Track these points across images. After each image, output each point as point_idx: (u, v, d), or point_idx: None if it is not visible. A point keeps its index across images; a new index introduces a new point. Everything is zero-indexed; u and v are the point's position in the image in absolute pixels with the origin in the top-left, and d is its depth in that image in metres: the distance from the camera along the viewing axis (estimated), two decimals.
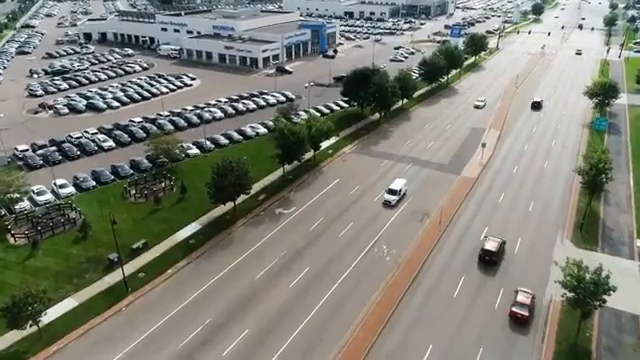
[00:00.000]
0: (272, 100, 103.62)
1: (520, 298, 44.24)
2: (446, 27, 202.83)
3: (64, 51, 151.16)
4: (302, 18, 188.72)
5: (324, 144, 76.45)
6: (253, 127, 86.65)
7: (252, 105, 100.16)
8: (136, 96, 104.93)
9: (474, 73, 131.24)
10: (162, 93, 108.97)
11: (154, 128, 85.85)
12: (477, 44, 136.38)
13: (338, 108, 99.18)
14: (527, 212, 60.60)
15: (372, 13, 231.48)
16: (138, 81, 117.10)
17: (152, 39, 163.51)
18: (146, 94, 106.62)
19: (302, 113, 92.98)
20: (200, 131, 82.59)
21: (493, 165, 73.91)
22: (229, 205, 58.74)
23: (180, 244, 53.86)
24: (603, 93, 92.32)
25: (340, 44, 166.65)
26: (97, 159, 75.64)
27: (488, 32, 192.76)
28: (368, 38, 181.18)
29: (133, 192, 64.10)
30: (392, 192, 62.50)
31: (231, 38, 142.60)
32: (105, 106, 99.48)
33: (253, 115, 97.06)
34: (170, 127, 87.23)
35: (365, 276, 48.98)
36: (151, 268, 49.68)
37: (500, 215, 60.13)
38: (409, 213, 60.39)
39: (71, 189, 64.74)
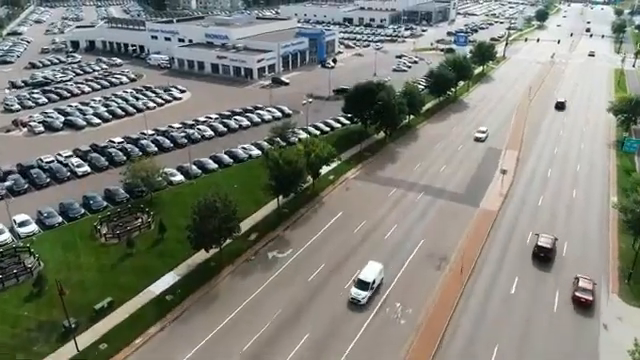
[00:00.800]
0: (267, 116, 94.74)
1: (582, 284, 45.28)
2: (449, 34, 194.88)
3: (48, 60, 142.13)
4: (300, 25, 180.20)
5: (325, 168, 67.55)
6: (245, 149, 77.70)
7: (245, 122, 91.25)
8: (119, 112, 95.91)
9: (483, 84, 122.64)
10: (148, 108, 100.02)
11: (136, 150, 76.91)
12: (485, 53, 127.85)
13: (339, 125, 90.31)
14: (561, 257, 51.69)
15: (372, 19, 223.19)
16: (123, 94, 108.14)
17: (142, 48, 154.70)
18: (130, 109, 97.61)
19: (300, 131, 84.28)
20: (187, 152, 73.70)
21: (515, 195, 65.02)
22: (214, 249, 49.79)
23: (154, 301, 44.74)
24: (629, 110, 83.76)
25: (339, 52, 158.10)
26: (69, 187, 66.56)
27: (493, 39, 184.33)
28: (369, 46, 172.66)
29: (104, 231, 55.03)
30: (362, 285, 44.72)
31: (224, 47, 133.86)
32: (84, 123, 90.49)
33: (246, 133, 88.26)
34: (154, 148, 78.22)
35: (377, 346, 39.97)
36: (116, 336, 40.53)
37: (530, 261, 51.27)
38: (424, 257, 51.44)
39: (33, 227, 55.66)
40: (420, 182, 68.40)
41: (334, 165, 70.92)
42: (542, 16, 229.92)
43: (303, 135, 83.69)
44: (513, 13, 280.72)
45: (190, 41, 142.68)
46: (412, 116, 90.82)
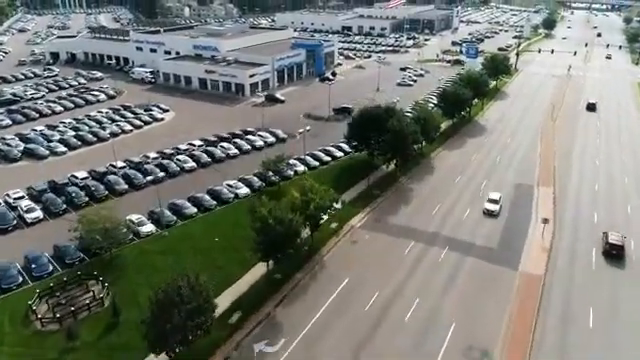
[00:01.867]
0: (258, 142, 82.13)
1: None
2: (454, 44, 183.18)
3: (23, 74, 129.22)
4: (296, 35, 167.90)
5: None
6: (231, 186, 64.95)
7: (233, 150, 78.59)
8: (90, 137, 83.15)
9: (498, 101, 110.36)
10: (123, 132, 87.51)
11: (101, 188, 64.24)
12: (499, 66, 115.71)
13: (341, 154, 77.69)
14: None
15: (372, 28, 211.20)
16: (98, 115, 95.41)
17: (127, 60, 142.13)
18: (103, 134, 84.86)
19: (295, 162, 71.75)
20: (164, 188, 61.21)
21: (560, 250, 52.49)
22: None
23: None
24: None
25: (339, 64, 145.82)
26: (12, 241, 53.80)
27: (501, 49, 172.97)
28: (370, 57, 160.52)
29: (42, 311, 42.24)
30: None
31: (214, 60, 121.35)
32: (47, 152, 77.74)
33: (235, 163, 75.70)
34: (123, 186, 65.45)
35: None
36: None
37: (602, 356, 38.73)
38: (460, 353, 38.73)
39: None
40: (442, 232, 55.79)
41: (337, 205, 58.48)
42: (549, 24, 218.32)
43: (300, 167, 71.28)
44: (517, 21, 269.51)
45: (177, 53, 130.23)
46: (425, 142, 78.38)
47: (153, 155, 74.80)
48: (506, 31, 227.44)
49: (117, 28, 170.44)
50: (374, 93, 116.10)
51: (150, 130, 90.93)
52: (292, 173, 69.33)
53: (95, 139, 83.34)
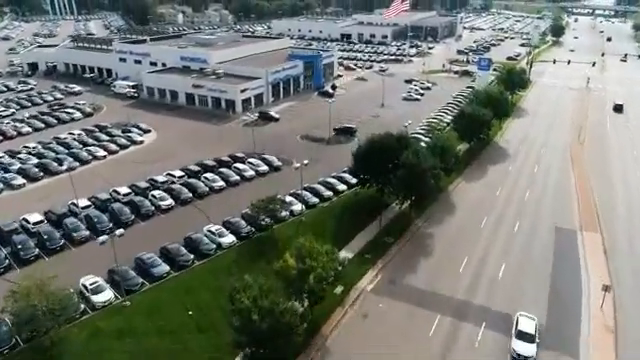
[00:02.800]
0: (249, 172, 70.54)
1: None
2: (460, 52, 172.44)
3: None
4: (292, 44, 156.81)
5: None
6: (213, 233, 53.42)
7: (219, 182, 66.96)
8: (55, 166, 71.45)
9: (516, 119, 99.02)
10: (95, 158, 75.99)
11: (56, 236, 52.65)
12: (515, 80, 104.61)
13: (344, 187, 66.13)
14: None
15: (372, 36, 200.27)
16: (69, 137, 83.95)
17: (110, 72, 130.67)
18: (71, 160, 73.23)
19: (291, 200, 60.29)
20: (133, 235, 49.86)
21: (629, 328, 41.00)
22: None
23: None
24: None
25: (339, 76, 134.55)
26: None
27: (510, 59, 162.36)
28: (371, 67, 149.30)
29: None
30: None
31: (202, 73, 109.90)
32: (0, 186, 66.11)
33: (220, 198, 64.26)
34: (83, 232, 53.81)
35: None
36: None
37: None
38: None
39: None
40: (474, 300, 44.24)
41: (342, 256, 46.94)
42: (557, 31, 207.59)
43: (297, 205, 59.77)
44: (522, 27, 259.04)
45: (164, 65, 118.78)
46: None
47: (124, 190, 63.12)
48: (512, 38, 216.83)
49: (100, 37, 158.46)
50: (378, 109, 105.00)
51: (126, 156, 79.28)
52: (287, 214, 57.79)
53: (60, 167, 71.64)
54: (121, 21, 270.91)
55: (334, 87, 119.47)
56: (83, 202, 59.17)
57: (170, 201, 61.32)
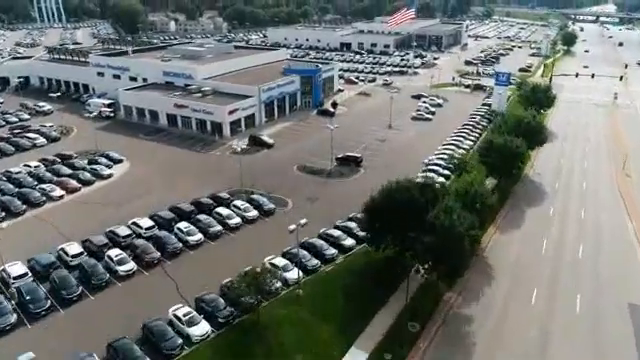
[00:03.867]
0: (234, 219, 56.87)
1: None
2: (468, 63, 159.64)
3: None
4: (289, 55, 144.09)
5: None
6: (181, 320, 39.64)
7: (195, 236, 53.26)
8: None
9: (545, 145, 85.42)
10: (50, 198, 62.35)
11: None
12: (540, 98, 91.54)
13: (352, 242, 52.49)
14: None
15: (373, 45, 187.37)
16: (23, 171, 70.32)
17: (87, 87, 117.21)
18: (18, 204, 59.62)
19: (285, 263, 46.77)
20: (75, 316, 36.47)
21: None
22: None
23: None
24: None
25: (339, 91, 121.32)
26: None
27: (523, 70, 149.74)
28: (374, 80, 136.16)
29: None
30: None
31: (186, 90, 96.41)
32: None
33: (196, 258, 50.61)
34: (10, 321, 40.05)
35: None
36: None
37: None
38: None
39: None
40: None
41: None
42: (569, 40, 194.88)
43: (291, 272, 46.19)
44: (528, 35, 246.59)
45: (144, 80, 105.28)
46: None
47: (74, 250, 49.39)
48: (520, 47, 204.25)
49: (77, 48, 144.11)
50: (386, 131, 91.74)
51: (89, 196, 65.52)
52: (279, 285, 44.15)
53: (3, 214, 58.04)
54: (111, 30, 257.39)
55: (335, 105, 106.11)
56: (15, 270, 45.42)
57: (131, 265, 47.63)
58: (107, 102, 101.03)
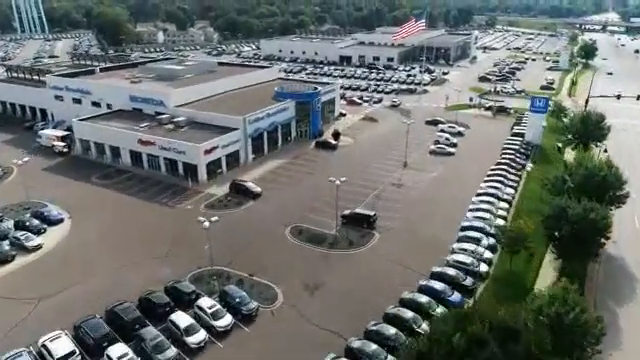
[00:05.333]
0: (196, 336, 38.02)
1: None
2: (482, 79, 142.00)
3: None
4: (283, 74, 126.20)
5: None
6: None
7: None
8: None
9: None
10: None
11: None
12: (591, 129, 73.37)
13: None
14: None
15: (376, 58, 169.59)
16: None
17: (45, 113, 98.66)
18: None
19: None
20: None
21: None
22: None
23: None
24: None
25: (341, 115, 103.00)
26: None
27: (545, 88, 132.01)
28: (380, 101, 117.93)
29: None
30: None
31: (156, 120, 77.78)
32: None
33: None
34: None
35: None
36: None
37: None
38: None
39: None
40: None
41: None
42: (589, 53, 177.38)
43: None
44: (539, 46, 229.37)
45: (109, 107, 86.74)
46: None
47: None
48: (534, 60, 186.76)
49: (37, 66, 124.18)
50: (401, 171, 73.38)
51: (4, 280, 46.76)
52: None
53: None
54: (95, 41, 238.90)
55: (337, 135, 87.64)
56: None
57: None
58: (61, 134, 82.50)
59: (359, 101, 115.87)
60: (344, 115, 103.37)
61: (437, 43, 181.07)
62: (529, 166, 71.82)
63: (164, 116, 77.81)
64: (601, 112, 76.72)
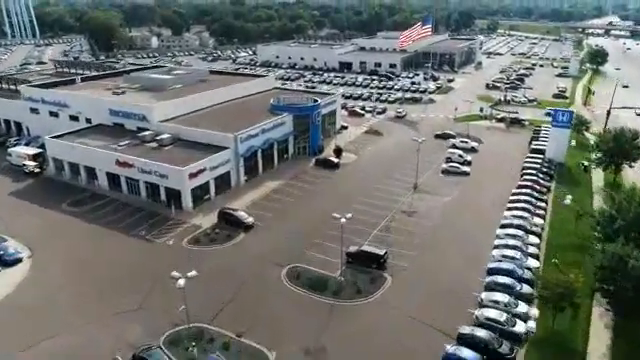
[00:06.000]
0: None
1: None
2: (489, 87, 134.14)
3: None
4: (280, 81, 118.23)
5: None
6: None
7: None
8: None
9: None
10: None
11: None
12: (626, 149, 65.15)
13: None
14: None
15: (378, 65, 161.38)
16: None
17: (19, 126, 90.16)
18: None
19: None
20: None
21: None
22: None
23: None
24: None
25: (343, 128, 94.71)
26: None
27: (557, 96, 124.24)
28: (384, 112, 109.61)
29: None
30: None
31: (138, 137, 69.24)
32: None
33: None
34: None
35: None
36: None
37: None
38: None
39: None
40: None
41: None
42: (600, 58, 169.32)
43: None
44: (544, 52, 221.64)
45: (89, 121, 78.35)
46: None
47: None
48: (541, 66, 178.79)
49: (8, 75, 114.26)
50: (411, 196, 65.05)
51: None
52: None
53: None
54: (87, 46, 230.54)
55: (339, 151, 79.31)
56: None
57: None
58: (33, 152, 73.91)
59: (361, 112, 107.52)
60: (346, 128, 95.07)
61: (441, 49, 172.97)
62: (554, 188, 63.64)
63: (146, 133, 69.31)
64: (635, 129, 68.43)
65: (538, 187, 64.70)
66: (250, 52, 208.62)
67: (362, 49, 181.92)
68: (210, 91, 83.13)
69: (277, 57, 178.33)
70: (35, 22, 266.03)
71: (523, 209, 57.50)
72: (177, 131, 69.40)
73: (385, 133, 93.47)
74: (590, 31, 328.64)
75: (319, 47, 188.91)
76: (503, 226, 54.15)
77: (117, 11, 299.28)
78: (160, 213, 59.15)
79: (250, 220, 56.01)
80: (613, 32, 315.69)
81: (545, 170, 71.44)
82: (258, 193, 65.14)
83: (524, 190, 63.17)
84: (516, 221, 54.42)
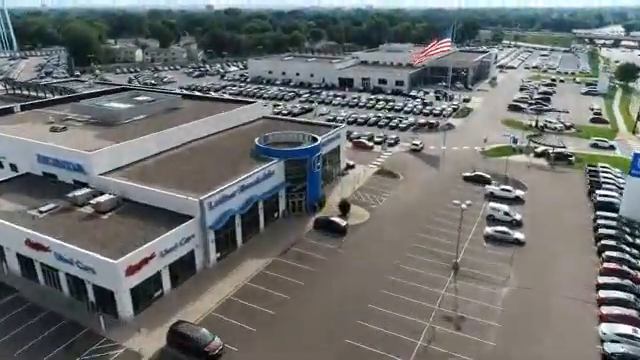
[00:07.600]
0: None
1: None
2: (511, 108, 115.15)
3: None
4: (269, 110, 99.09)
5: None
6: None
7: None
8: None
9: None
10: None
11: None
12: None
13: None
14: None
15: (382, 81, 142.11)
16: None
17: None
18: None
19: None
20: None
21: None
22: None
23: None
24: None
25: (349, 168, 74.86)
26: None
27: (595, 121, 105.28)
28: (397, 143, 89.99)
29: None
30: None
31: (69, 199, 48.95)
32: None
33: None
34: None
35: None
36: None
37: None
38: None
39: None
40: None
41: None
42: (629, 74, 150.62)
43: None
44: (558, 65, 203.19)
45: (14, 168, 58.27)
46: None
47: None
48: (562, 81, 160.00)
49: None
50: (452, 284, 45.15)
51: None
52: None
53: None
54: (65, 59, 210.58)
55: (345, 206, 59.29)
56: None
57: None
58: None
59: (369, 143, 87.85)
60: (352, 167, 75.33)
61: (454, 63, 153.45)
62: None
63: (80, 193, 49.20)
64: None
65: (633, 273, 44.96)
66: (241, 66, 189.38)
67: (364, 63, 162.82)
68: (176, 127, 62.91)
69: (270, 72, 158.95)
70: (12, 33, 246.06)
71: (628, 319, 37.66)
72: (123, 189, 49.32)
73: (401, 174, 73.75)
74: (602, 42, 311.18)
75: (316, 61, 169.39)
76: (603, 340, 34.36)
77: (102, 21, 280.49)
78: (84, 327, 38.98)
79: (216, 345, 35.91)
80: (623, 43, 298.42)
81: (628, 238, 51.79)
82: (232, 282, 45.11)
83: (615, 280, 43.38)
84: (624, 331, 34.66)
